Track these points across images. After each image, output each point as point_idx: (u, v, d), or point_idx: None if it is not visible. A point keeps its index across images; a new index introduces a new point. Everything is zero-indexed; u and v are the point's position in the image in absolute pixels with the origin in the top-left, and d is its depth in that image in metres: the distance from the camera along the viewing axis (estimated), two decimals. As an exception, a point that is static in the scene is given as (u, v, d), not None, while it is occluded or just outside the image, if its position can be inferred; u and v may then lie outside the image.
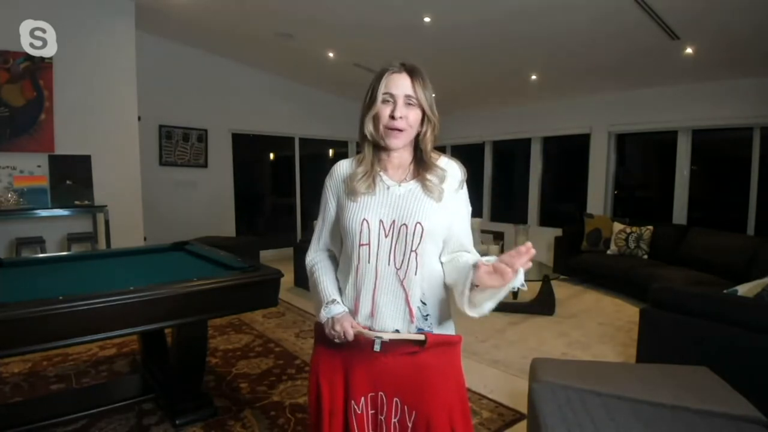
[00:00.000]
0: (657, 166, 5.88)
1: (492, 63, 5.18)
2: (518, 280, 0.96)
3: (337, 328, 1.11)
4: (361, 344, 1.12)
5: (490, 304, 1.03)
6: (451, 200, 1.17)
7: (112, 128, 4.52)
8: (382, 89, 1.14)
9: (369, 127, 1.16)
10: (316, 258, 1.29)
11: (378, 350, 1.10)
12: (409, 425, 1.11)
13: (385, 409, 1.12)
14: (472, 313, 1.06)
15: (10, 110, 3.97)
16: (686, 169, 5.16)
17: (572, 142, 6.20)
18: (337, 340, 1.12)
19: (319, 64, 5.82)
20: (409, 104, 1.13)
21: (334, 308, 1.15)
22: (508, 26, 4.19)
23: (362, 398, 1.13)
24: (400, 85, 1.13)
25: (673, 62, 4.43)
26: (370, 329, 1.12)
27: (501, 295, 1.01)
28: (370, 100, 1.15)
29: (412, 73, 1.14)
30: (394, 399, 1.12)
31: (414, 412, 1.11)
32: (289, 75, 6.60)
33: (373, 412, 1.14)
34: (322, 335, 1.17)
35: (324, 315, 1.15)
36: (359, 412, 1.13)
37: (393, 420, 1.12)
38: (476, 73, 5.57)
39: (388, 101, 1.14)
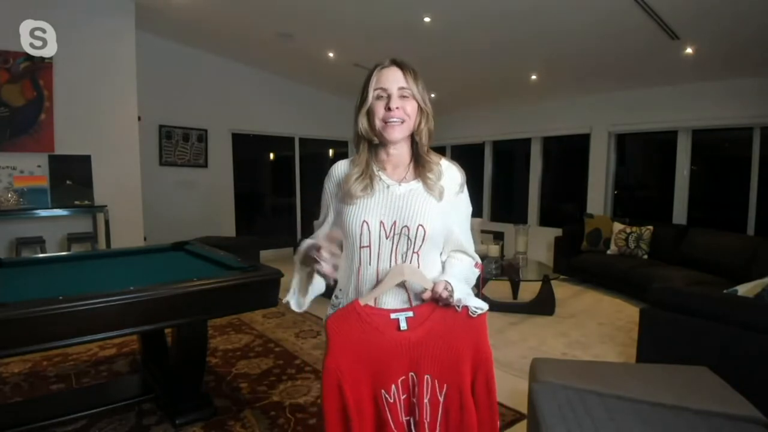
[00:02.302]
0: (657, 166, 5.88)
1: (492, 63, 5.18)
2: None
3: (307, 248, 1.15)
4: (382, 328, 1.08)
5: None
6: (452, 202, 1.17)
7: (112, 128, 4.52)
8: (373, 85, 1.13)
9: (363, 124, 1.16)
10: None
11: (405, 329, 1.08)
12: (441, 400, 1.10)
13: (416, 390, 1.09)
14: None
15: (10, 110, 3.97)
16: (686, 169, 5.16)
17: (572, 142, 6.20)
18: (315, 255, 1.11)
19: (319, 64, 5.82)
20: (404, 96, 1.13)
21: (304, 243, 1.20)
22: (508, 26, 4.19)
23: (393, 385, 1.09)
24: (392, 78, 1.13)
25: (673, 62, 4.43)
26: None
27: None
28: (363, 98, 1.15)
29: (403, 66, 1.14)
30: (425, 377, 1.09)
31: (445, 385, 1.10)
32: (289, 75, 6.60)
33: (405, 396, 1.10)
34: (336, 332, 1.10)
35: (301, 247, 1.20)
36: (391, 401, 1.09)
37: (424, 400, 1.09)
38: (476, 72, 5.56)
39: (381, 97, 1.13)
